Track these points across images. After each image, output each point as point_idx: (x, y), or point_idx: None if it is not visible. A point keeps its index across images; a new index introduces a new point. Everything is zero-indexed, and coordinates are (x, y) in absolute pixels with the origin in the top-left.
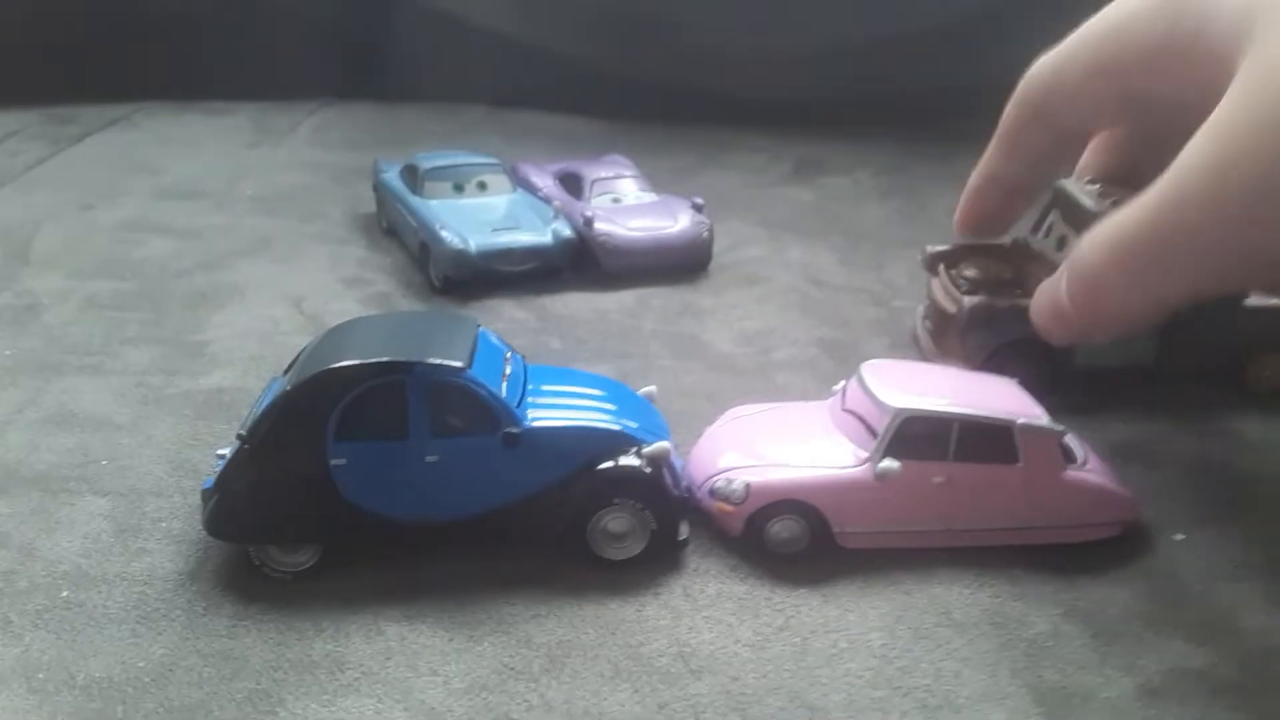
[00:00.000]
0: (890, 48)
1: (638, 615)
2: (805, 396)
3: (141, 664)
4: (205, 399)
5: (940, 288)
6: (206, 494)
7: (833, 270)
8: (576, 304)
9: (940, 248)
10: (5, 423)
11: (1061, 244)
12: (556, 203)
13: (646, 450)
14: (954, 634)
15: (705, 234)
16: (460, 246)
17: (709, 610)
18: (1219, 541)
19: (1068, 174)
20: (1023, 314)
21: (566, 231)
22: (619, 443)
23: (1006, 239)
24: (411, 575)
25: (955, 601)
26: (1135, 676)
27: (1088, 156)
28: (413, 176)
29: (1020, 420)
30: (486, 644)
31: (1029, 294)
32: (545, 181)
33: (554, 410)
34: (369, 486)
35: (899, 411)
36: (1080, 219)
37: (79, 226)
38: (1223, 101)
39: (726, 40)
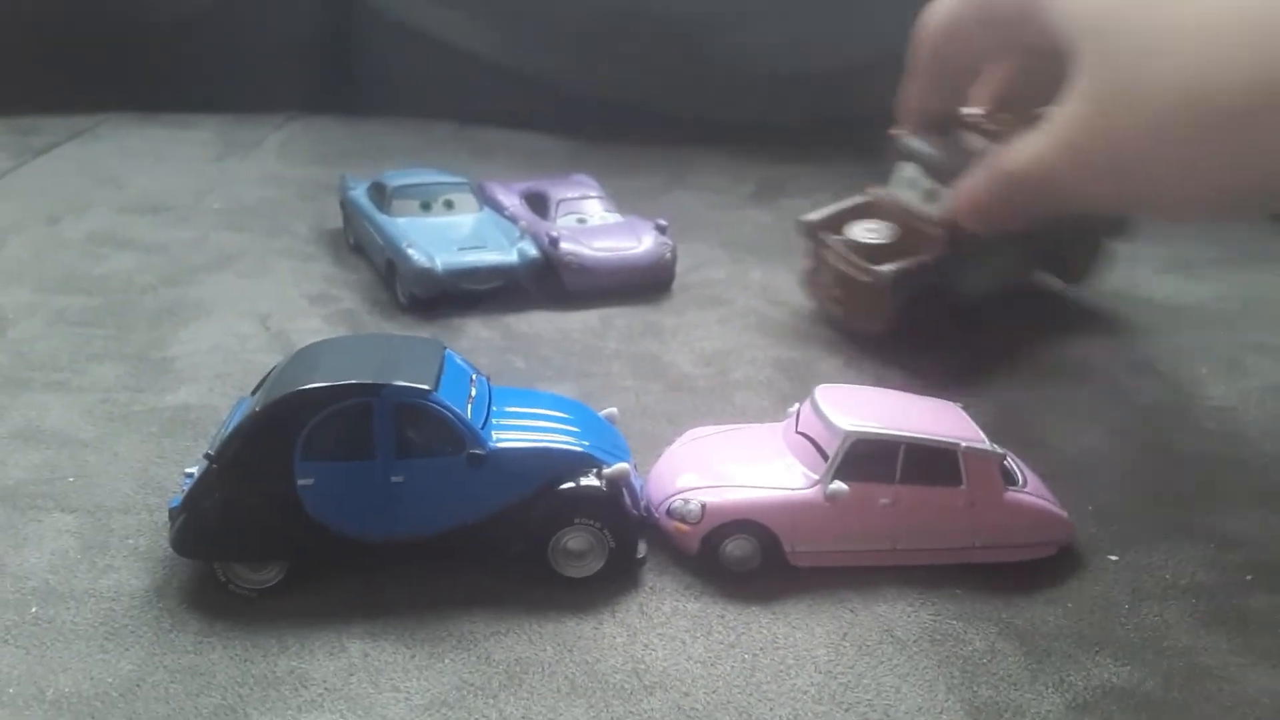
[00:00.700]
0: (849, 74)
1: (595, 632)
2: (762, 416)
3: (110, 679)
4: (171, 416)
5: (838, 257)
6: (174, 512)
7: (791, 291)
8: (541, 323)
9: (815, 216)
10: None
11: (931, 196)
12: (523, 222)
13: (607, 471)
14: (896, 651)
15: (668, 255)
16: (426, 265)
17: (664, 628)
18: (1150, 563)
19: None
20: (926, 267)
21: (532, 251)
22: (581, 463)
23: (865, 196)
24: (374, 593)
25: (898, 619)
26: (1065, 693)
27: (981, 86)
28: (380, 194)
29: (964, 444)
30: (447, 661)
31: (914, 248)
32: (512, 200)
33: (518, 431)
34: (335, 506)
35: (848, 434)
36: (939, 170)
37: (45, 240)
38: (1073, 87)
39: (691, 63)
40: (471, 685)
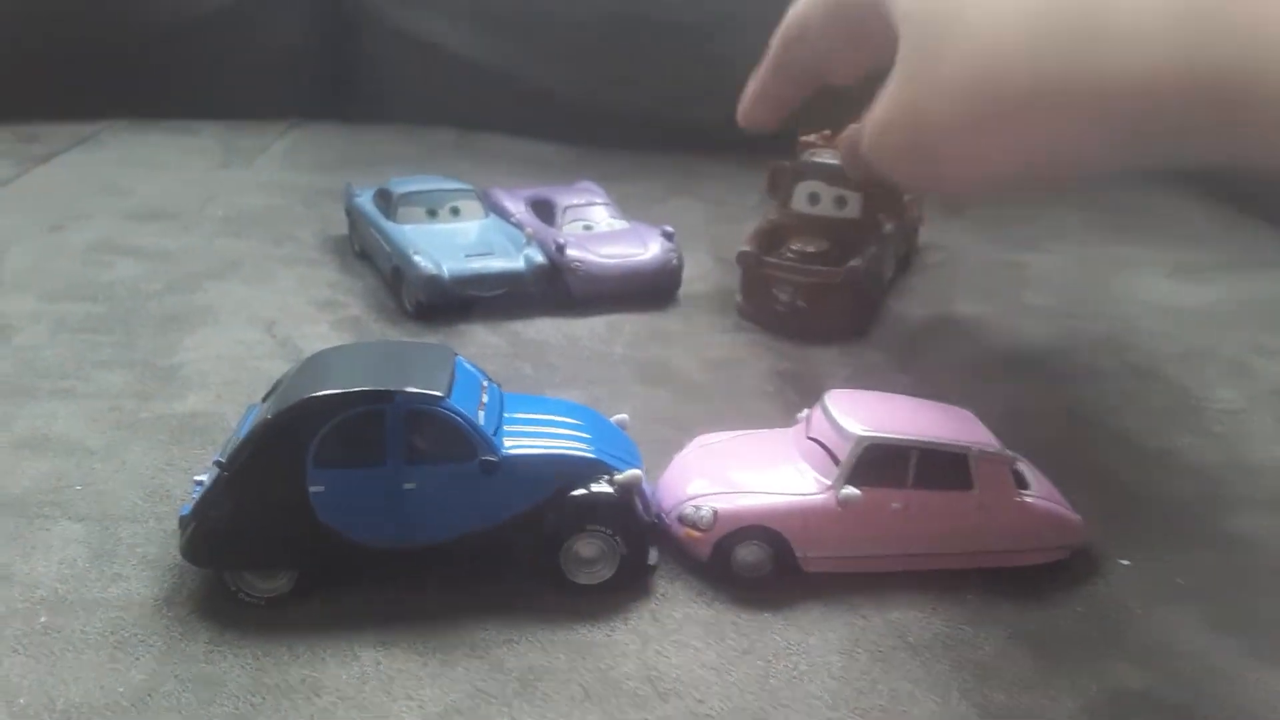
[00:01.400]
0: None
1: (607, 640)
2: (771, 422)
3: (120, 689)
4: (179, 424)
5: (795, 270)
6: (184, 520)
7: None
8: (548, 330)
9: (747, 247)
10: None
11: (841, 203)
12: (529, 229)
13: (618, 478)
14: (909, 656)
15: (674, 261)
16: (433, 271)
17: (676, 634)
18: (1161, 567)
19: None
20: (877, 258)
21: (539, 257)
22: (593, 470)
23: (774, 217)
24: (385, 601)
25: (910, 625)
26: (1078, 697)
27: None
28: (386, 201)
29: (975, 447)
30: (460, 669)
31: (850, 250)
32: (518, 207)
33: (529, 438)
34: (347, 513)
35: (861, 438)
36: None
37: (49, 247)
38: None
39: (694, 69)
40: (485, 693)
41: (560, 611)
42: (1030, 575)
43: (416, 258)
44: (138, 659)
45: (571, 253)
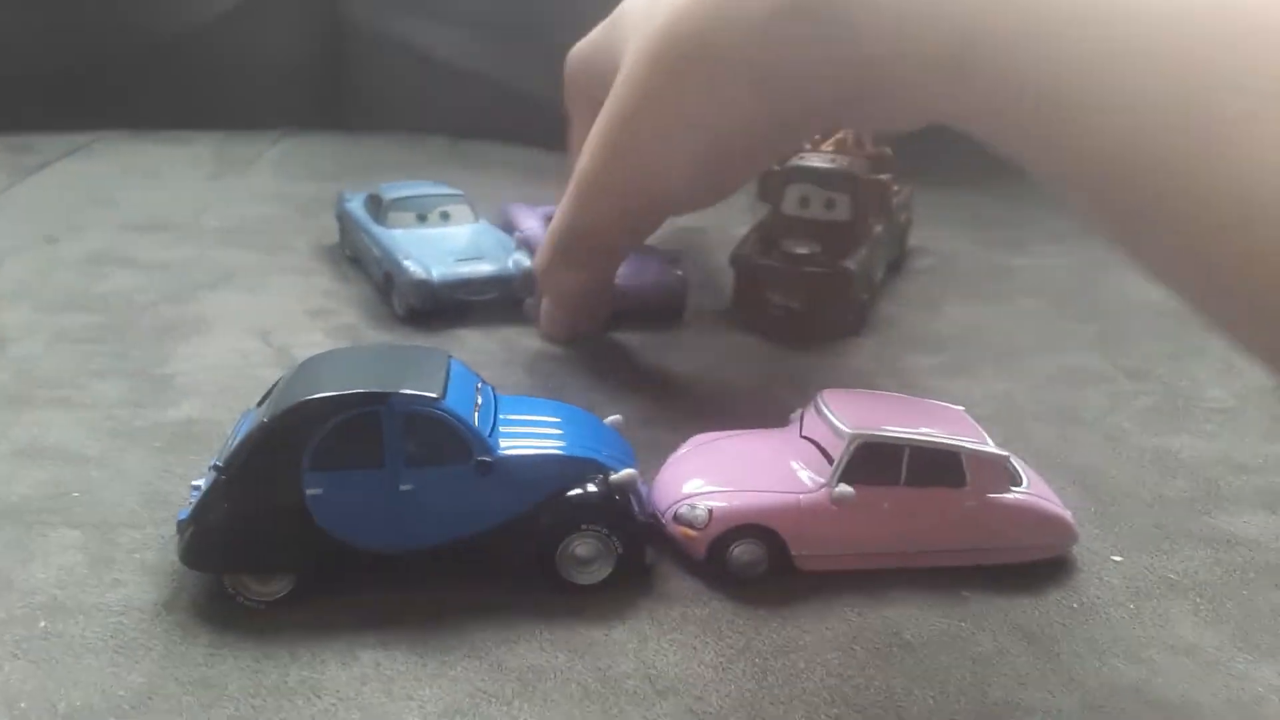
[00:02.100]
0: None
1: (605, 639)
2: (766, 422)
3: (121, 693)
4: (175, 431)
5: (792, 270)
6: (182, 525)
7: None
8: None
9: (740, 250)
10: None
11: (830, 205)
12: (518, 234)
13: (614, 477)
14: (905, 653)
15: (678, 282)
16: (423, 276)
17: (674, 633)
18: (1153, 563)
19: None
20: (863, 266)
21: (527, 262)
22: (588, 470)
23: (765, 218)
24: (384, 602)
25: (907, 622)
26: (1074, 692)
27: None
28: (376, 206)
29: (968, 445)
30: (460, 669)
31: (841, 252)
32: (534, 222)
33: (525, 439)
34: (344, 515)
35: (854, 437)
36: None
37: (43, 258)
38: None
39: None
40: (485, 693)
41: (558, 611)
42: (1025, 572)
43: (406, 262)
44: (138, 663)
45: None
